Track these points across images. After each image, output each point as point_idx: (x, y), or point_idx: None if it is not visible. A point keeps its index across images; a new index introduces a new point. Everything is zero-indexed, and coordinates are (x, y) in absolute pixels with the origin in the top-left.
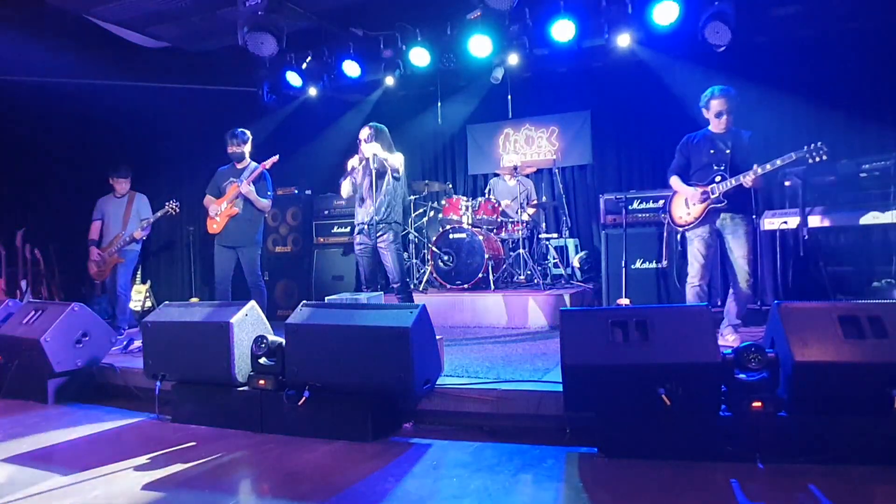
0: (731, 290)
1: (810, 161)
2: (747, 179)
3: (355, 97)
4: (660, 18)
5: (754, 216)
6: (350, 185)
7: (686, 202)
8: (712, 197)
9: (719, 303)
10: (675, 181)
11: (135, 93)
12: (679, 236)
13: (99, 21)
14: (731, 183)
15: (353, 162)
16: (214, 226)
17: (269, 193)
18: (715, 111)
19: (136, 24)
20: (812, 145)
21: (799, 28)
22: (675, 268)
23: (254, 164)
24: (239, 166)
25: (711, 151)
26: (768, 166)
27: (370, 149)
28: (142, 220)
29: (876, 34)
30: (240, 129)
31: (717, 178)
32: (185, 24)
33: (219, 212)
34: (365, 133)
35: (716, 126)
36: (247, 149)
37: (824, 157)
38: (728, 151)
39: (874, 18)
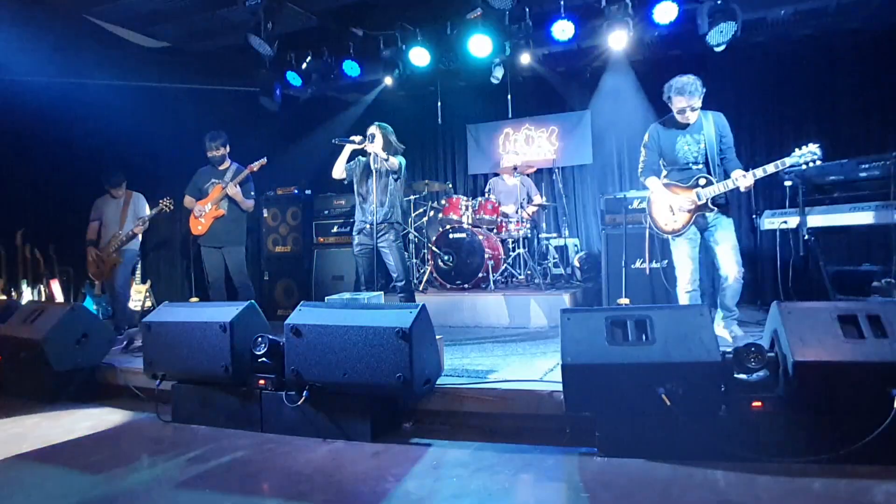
0: (721, 285)
1: (804, 166)
2: (742, 186)
3: (355, 97)
4: (660, 18)
5: (754, 213)
6: (342, 166)
7: (671, 208)
8: (699, 203)
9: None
10: (653, 183)
11: (134, 92)
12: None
13: (99, 21)
14: (720, 189)
15: (356, 138)
16: (199, 227)
17: (252, 194)
18: (677, 108)
19: (135, 23)
20: (804, 148)
21: (798, 28)
22: (673, 268)
23: (236, 164)
24: (220, 168)
25: (686, 147)
26: (760, 172)
27: (373, 148)
28: (138, 218)
29: (875, 33)
30: (217, 132)
31: (702, 182)
32: (185, 23)
33: (203, 213)
34: (370, 131)
35: (682, 119)
36: (226, 150)
37: (818, 162)
38: (702, 145)
39: (873, 18)
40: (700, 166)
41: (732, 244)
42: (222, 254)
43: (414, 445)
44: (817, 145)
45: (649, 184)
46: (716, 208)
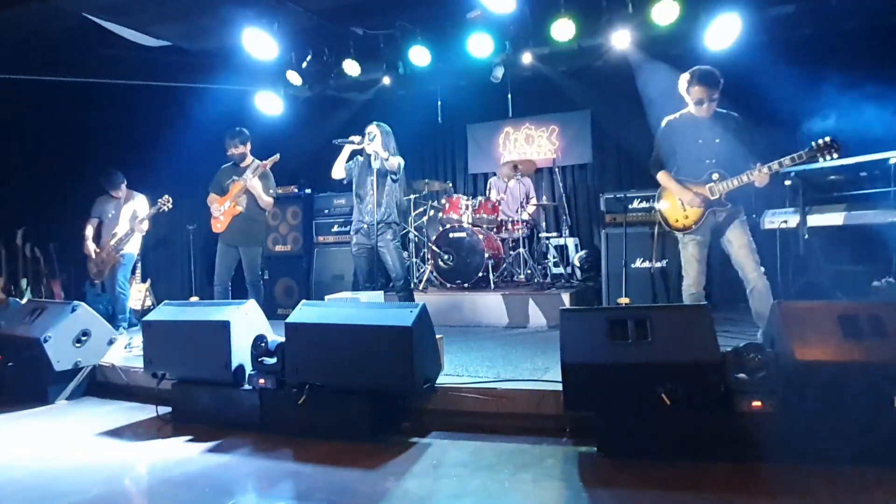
0: (748, 290)
1: (821, 160)
2: (758, 180)
3: (355, 96)
4: (660, 18)
5: (753, 213)
6: (342, 166)
7: (682, 204)
8: (712, 199)
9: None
10: (664, 177)
11: (135, 91)
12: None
13: (99, 20)
14: (734, 183)
15: (356, 138)
16: (218, 225)
17: (270, 191)
18: (695, 98)
19: (136, 22)
20: (821, 142)
21: (798, 27)
22: (675, 267)
23: (258, 162)
24: (242, 165)
25: (700, 141)
26: (776, 165)
27: (372, 147)
28: (137, 218)
29: (875, 32)
30: (238, 129)
31: (715, 176)
32: (186, 22)
33: (222, 210)
34: (369, 130)
35: (697, 111)
36: (247, 148)
37: (835, 155)
38: (718, 140)
39: (872, 16)
40: (714, 161)
41: (746, 243)
42: (238, 252)
43: (414, 444)
44: (833, 139)
45: (660, 178)
46: (729, 204)
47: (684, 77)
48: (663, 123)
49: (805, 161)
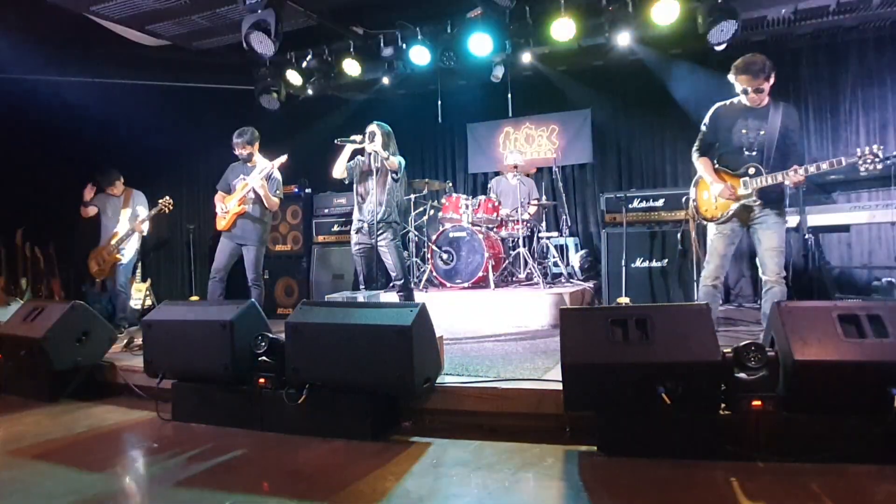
0: (764, 290)
1: (862, 170)
2: (791, 181)
3: (355, 95)
4: (660, 18)
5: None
6: (343, 165)
7: (712, 194)
8: (741, 194)
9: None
10: (702, 164)
11: (135, 91)
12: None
13: (99, 19)
14: (768, 181)
15: (357, 137)
16: (223, 223)
17: (277, 193)
18: (740, 87)
19: (136, 22)
20: (867, 149)
21: (797, 27)
22: (675, 266)
23: (265, 161)
24: (250, 164)
25: (743, 131)
26: (813, 168)
27: (373, 147)
28: (138, 218)
29: (874, 32)
30: (246, 129)
31: (751, 171)
32: (186, 22)
33: (227, 209)
34: (370, 130)
35: (747, 100)
36: (255, 148)
37: (878, 167)
38: (763, 132)
39: (872, 16)
40: (754, 153)
41: (774, 246)
42: (241, 249)
43: (414, 444)
44: (881, 147)
45: (699, 165)
46: (760, 201)
47: (732, 66)
48: (712, 109)
49: (843, 167)
